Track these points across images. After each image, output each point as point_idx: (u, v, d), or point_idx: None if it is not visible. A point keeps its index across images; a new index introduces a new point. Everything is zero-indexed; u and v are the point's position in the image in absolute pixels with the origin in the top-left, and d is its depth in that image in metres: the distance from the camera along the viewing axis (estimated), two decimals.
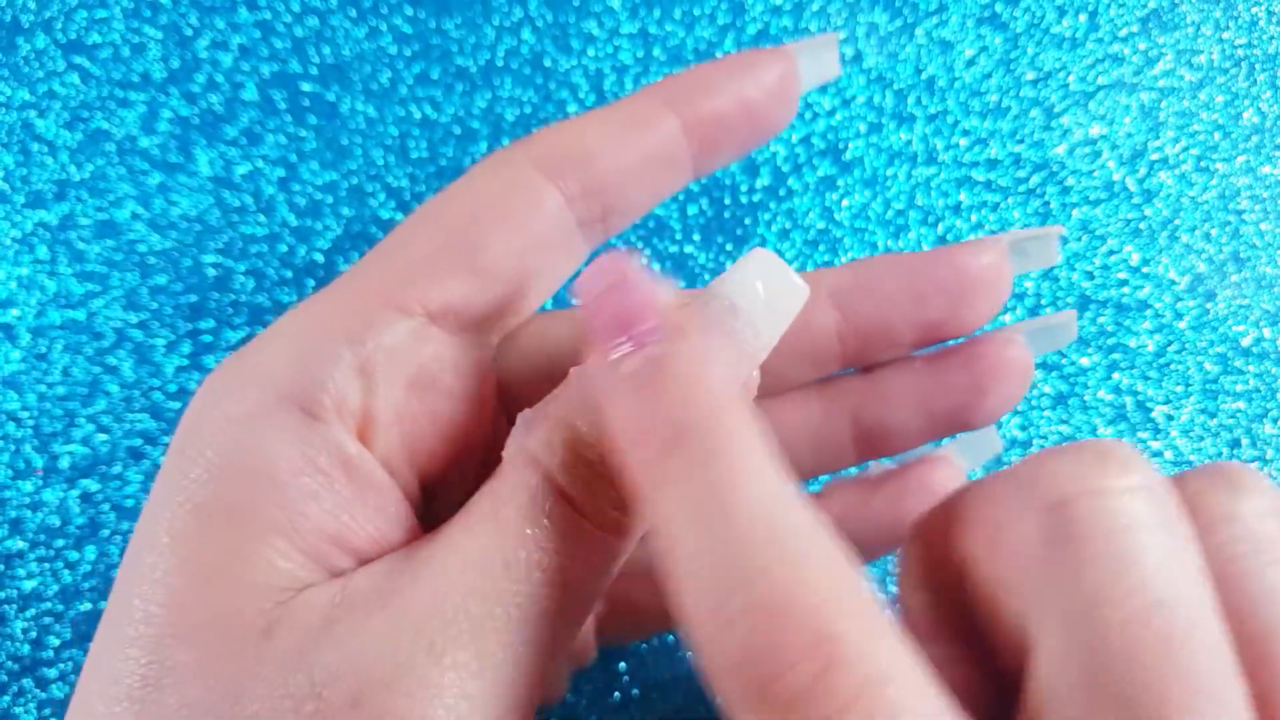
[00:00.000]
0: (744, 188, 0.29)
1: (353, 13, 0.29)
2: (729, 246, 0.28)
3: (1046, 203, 0.29)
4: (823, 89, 0.29)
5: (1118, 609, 0.12)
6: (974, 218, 0.29)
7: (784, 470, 0.13)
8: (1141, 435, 0.27)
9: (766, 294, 0.15)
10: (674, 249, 0.28)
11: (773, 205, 0.28)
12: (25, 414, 0.26)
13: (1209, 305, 0.28)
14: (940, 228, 0.28)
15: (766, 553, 0.12)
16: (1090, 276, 0.28)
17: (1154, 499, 0.13)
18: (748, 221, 0.28)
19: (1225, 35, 0.30)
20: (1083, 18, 0.30)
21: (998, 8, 0.30)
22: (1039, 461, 0.14)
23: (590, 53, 0.29)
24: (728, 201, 0.28)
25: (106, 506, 0.26)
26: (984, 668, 0.14)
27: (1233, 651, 0.12)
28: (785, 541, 0.12)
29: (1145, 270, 0.28)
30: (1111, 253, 0.28)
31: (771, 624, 0.11)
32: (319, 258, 0.28)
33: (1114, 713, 0.12)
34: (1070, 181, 0.29)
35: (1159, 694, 0.11)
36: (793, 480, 0.13)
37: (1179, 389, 0.28)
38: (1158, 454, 0.27)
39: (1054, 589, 0.12)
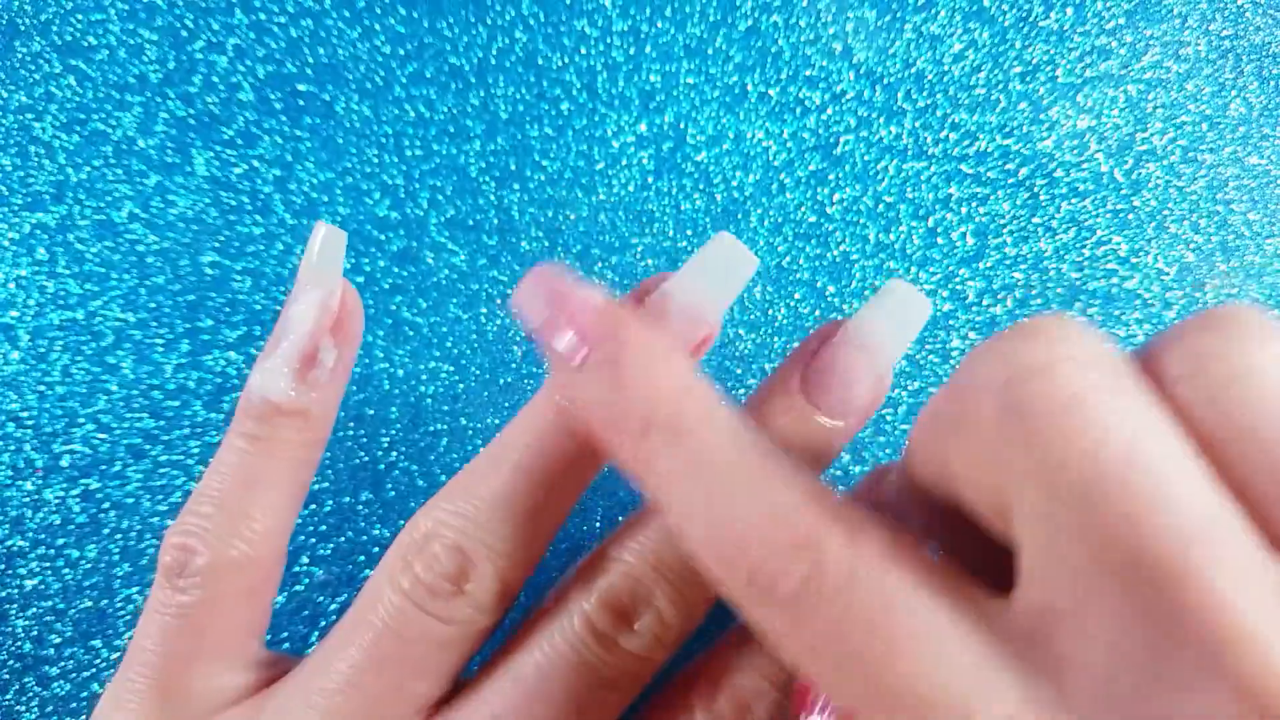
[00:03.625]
0: (735, 183, 0.29)
1: (347, 13, 0.29)
2: None
3: (1035, 195, 0.29)
4: (813, 84, 0.29)
5: (1068, 471, 0.11)
6: (964, 210, 0.29)
7: (736, 413, 0.15)
8: None
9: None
10: (667, 244, 0.28)
11: (764, 200, 0.29)
12: (26, 414, 0.27)
13: (1198, 295, 0.29)
14: (930, 221, 0.29)
15: (742, 493, 0.14)
16: (1079, 267, 0.29)
17: (1099, 366, 0.12)
18: (739, 216, 0.29)
19: (1212, 27, 0.30)
20: (1070, 11, 0.30)
21: (985, 2, 0.30)
22: (985, 348, 0.13)
23: (583, 50, 0.29)
24: (719, 197, 0.29)
25: (107, 505, 0.26)
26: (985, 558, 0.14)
27: (1211, 476, 0.11)
28: (755, 479, 0.14)
29: (1134, 261, 0.29)
30: (1100, 244, 0.29)
31: (761, 544, 0.14)
32: None
33: (1090, 562, 0.11)
34: (1059, 174, 0.29)
35: (1129, 521, 0.11)
36: (747, 420, 0.15)
37: None
38: None
39: (1012, 469, 0.12)
